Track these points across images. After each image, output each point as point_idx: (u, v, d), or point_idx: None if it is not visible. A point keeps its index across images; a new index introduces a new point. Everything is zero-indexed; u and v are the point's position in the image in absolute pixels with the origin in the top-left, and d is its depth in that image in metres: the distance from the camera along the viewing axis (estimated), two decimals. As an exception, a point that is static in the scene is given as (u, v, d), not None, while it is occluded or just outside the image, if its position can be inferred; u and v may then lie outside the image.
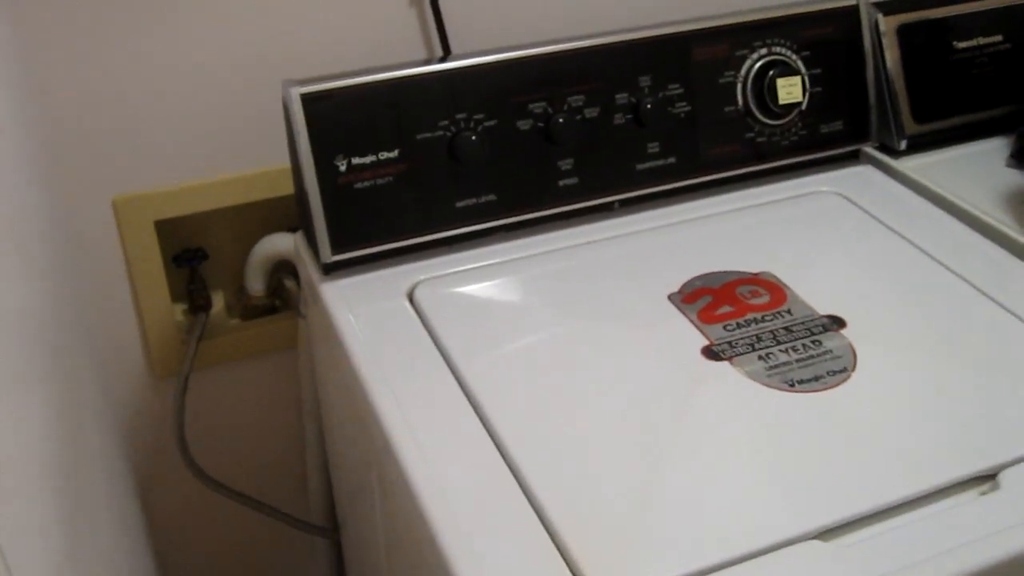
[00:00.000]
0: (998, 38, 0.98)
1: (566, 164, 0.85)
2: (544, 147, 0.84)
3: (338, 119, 0.79)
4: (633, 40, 0.86)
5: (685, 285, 0.79)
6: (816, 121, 0.93)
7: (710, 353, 0.72)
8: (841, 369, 0.70)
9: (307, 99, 0.78)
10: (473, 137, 0.82)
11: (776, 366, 0.70)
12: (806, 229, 0.87)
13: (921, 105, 0.96)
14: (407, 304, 0.79)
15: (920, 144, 0.97)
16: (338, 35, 0.96)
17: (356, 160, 0.80)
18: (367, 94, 0.79)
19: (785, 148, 0.93)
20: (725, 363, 0.71)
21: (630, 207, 0.90)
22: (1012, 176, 0.93)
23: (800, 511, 0.59)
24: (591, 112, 0.85)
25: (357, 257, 0.82)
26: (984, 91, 0.98)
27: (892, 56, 0.95)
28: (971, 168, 0.95)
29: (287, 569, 1.24)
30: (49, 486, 0.70)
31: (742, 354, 0.72)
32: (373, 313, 0.78)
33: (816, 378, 0.69)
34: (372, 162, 0.80)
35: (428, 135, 0.81)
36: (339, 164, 0.79)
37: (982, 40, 0.98)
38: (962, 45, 0.97)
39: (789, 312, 0.76)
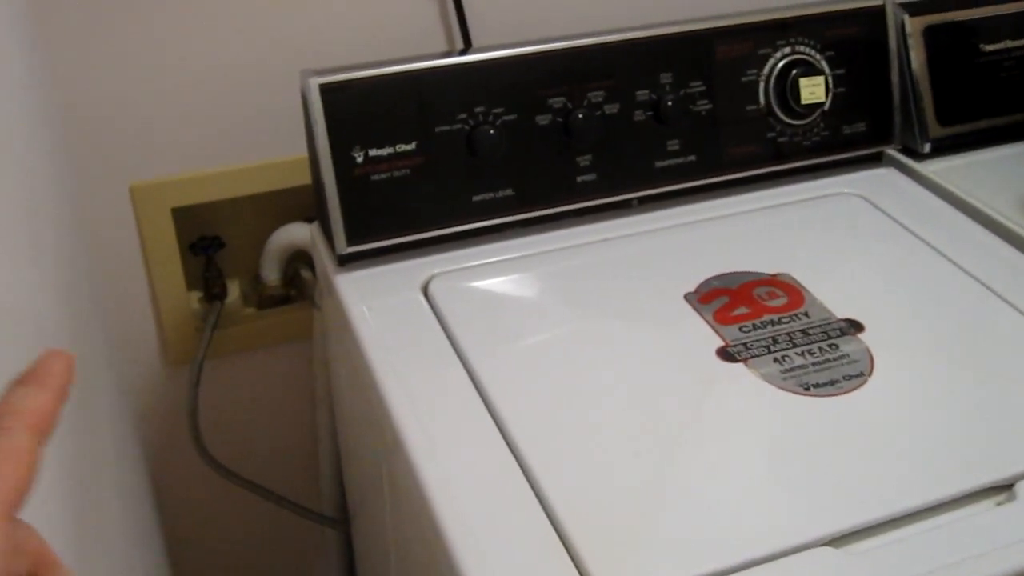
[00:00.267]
0: (1026, 41, 0.97)
1: (585, 160, 0.85)
2: (563, 142, 0.84)
3: (356, 110, 0.78)
4: (655, 36, 0.85)
5: (702, 285, 0.79)
6: (839, 122, 0.92)
7: (725, 354, 0.71)
8: (858, 374, 0.69)
9: (325, 89, 0.78)
10: (491, 131, 0.81)
11: (791, 369, 0.69)
12: (826, 231, 0.86)
13: (946, 108, 0.95)
14: (421, 298, 0.79)
15: (944, 147, 0.95)
16: (359, 26, 0.96)
17: (373, 152, 0.79)
18: (386, 85, 0.79)
19: (807, 149, 0.92)
20: (740, 365, 0.70)
21: (648, 205, 0.89)
22: (1037, 182, 0.92)
23: (812, 517, 0.58)
24: (611, 108, 0.84)
25: (372, 249, 0.82)
26: (1010, 95, 0.97)
27: (918, 58, 0.94)
28: (995, 172, 0.94)
29: (297, 559, 1.24)
30: (60, 470, 0.70)
31: (757, 356, 0.71)
32: (387, 306, 0.78)
33: (832, 382, 0.68)
34: (389, 154, 0.80)
35: (446, 128, 0.81)
36: (356, 155, 0.79)
37: (1010, 43, 0.97)
38: (989, 48, 0.96)
39: (806, 315, 0.75)
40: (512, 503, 0.60)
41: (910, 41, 0.94)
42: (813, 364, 0.70)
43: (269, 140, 0.99)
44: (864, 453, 0.63)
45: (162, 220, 0.98)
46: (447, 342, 0.73)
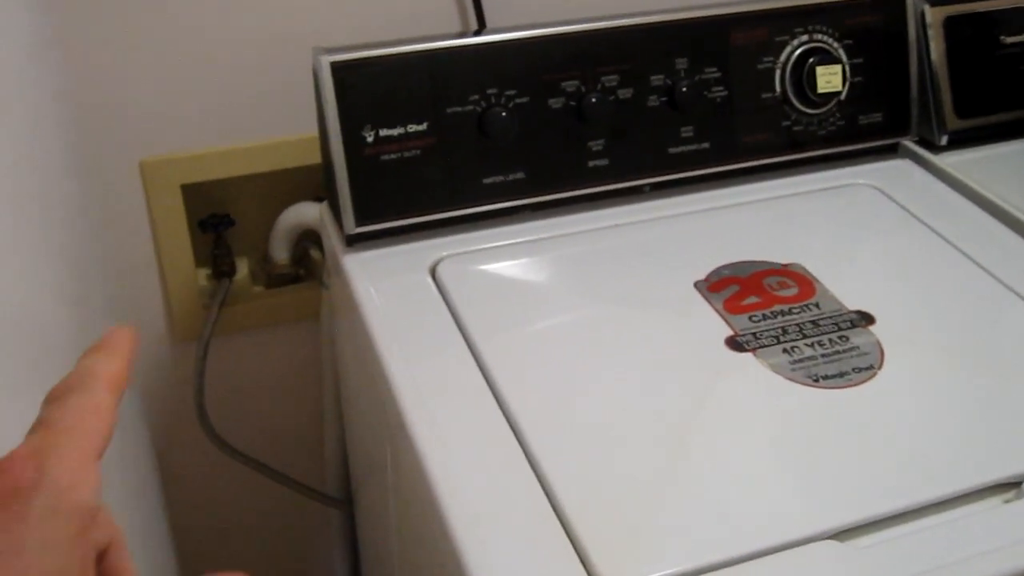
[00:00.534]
0: (1048, 34, 0.96)
1: (597, 145, 0.84)
2: (575, 126, 0.83)
3: (367, 89, 0.78)
4: (671, 21, 0.84)
5: (712, 273, 0.78)
6: (855, 112, 0.91)
7: (734, 344, 0.71)
8: (867, 366, 0.68)
9: (337, 68, 0.77)
10: (504, 113, 0.80)
11: (801, 360, 0.69)
12: (839, 222, 0.86)
13: (964, 100, 0.94)
14: (429, 280, 0.78)
15: (961, 140, 0.94)
16: (374, 4, 0.95)
17: (384, 132, 0.79)
18: (398, 65, 0.78)
19: (822, 138, 0.91)
20: (749, 355, 0.70)
21: (661, 191, 0.88)
22: (1055, 177, 0.91)
23: (817, 509, 0.58)
24: (625, 93, 0.84)
25: (381, 230, 0.81)
26: (1030, 88, 0.96)
27: (937, 48, 0.93)
28: (1013, 166, 0.92)
29: (301, 538, 1.24)
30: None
31: (767, 346, 0.70)
32: (395, 287, 0.77)
33: (841, 374, 0.68)
34: (400, 134, 0.79)
35: (458, 109, 0.80)
36: (366, 135, 0.78)
37: (1031, 36, 0.95)
38: (1010, 40, 0.95)
39: (817, 306, 0.74)
40: (515, 489, 0.59)
41: (930, 31, 0.93)
42: (823, 355, 0.69)
43: (280, 118, 0.98)
44: (872, 447, 0.62)
45: (171, 196, 0.97)
46: (454, 325, 0.73)
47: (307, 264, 1.07)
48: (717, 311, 0.74)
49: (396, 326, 0.73)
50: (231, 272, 1.04)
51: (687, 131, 0.86)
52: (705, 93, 0.86)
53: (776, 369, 0.68)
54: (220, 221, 1.02)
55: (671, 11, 0.85)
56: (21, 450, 0.33)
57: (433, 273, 0.79)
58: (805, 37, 0.88)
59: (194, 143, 0.96)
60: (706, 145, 0.87)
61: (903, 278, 0.79)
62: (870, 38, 0.90)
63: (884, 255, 0.82)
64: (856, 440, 0.63)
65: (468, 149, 0.81)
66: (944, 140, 0.94)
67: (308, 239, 1.06)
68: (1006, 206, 0.85)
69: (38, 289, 0.71)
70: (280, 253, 1.05)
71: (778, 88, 0.88)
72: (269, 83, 0.96)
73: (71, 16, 0.88)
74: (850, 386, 0.67)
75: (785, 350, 0.70)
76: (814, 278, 0.77)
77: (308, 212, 1.02)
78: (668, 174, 0.87)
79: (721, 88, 0.86)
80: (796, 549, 0.56)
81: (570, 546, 0.56)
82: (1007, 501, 0.60)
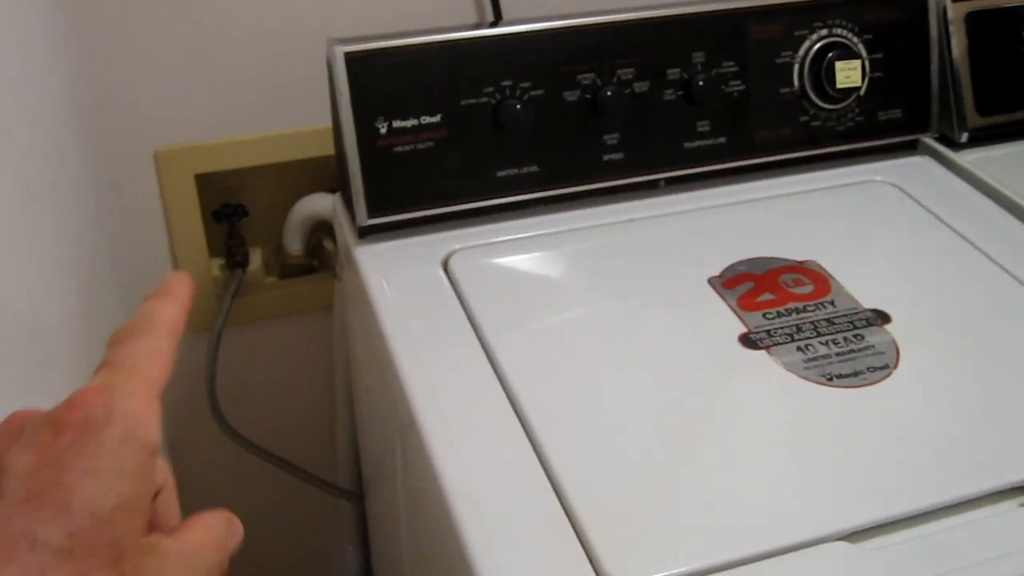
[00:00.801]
0: (1072, 31, 0.95)
1: (612, 138, 0.83)
2: (590, 120, 0.82)
3: (381, 80, 0.77)
4: (689, 14, 0.84)
5: (727, 269, 0.77)
6: (874, 108, 0.90)
7: (747, 341, 0.70)
8: (882, 366, 0.68)
9: (351, 58, 0.77)
10: (518, 106, 0.80)
11: (815, 358, 0.68)
12: (856, 219, 0.85)
13: (985, 97, 0.92)
14: (441, 273, 0.78)
15: (982, 137, 0.93)
16: (389, -5, 0.95)
17: (397, 123, 0.78)
18: (412, 56, 0.78)
19: (840, 134, 0.90)
20: (762, 352, 0.69)
21: (676, 186, 0.87)
22: (1077, 175, 0.89)
23: (828, 510, 0.57)
24: (640, 86, 0.83)
25: (393, 222, 0.81)
26: (1053, 86, 0.94)
27: (958, 44, 0.92)
28: (1034, 165, 0.91)
29: (312, 530, 1.24)
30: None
31: (780, 344, 0.69)
32: (406, 280, 0.77)
33: (855, 373, 0.67)
34: (413, 126, 0.79)
35: (472, 101, 0.79)
36: (380, 126, 0.78)
37: (1054, 32, 0.94)
38: (1033, 36, 0.93)
39: (832, 304, 0.73)
40: (524, 486, 0.59)
41: (951, 27, 0.91)
42: (837, 354, 0.68)
43: (295, 109, 0.98)
44: (885, 447, 0.61)
45: (185, 186, 0.97)
46: (465, 319, 0.73)
47: (321, 255, 1.07)
48: (731, 308, 0.73)
49: (407, 319, 0.72)
50: (244, 262, 1.04)
51: (703, 125, 0.85)
52: (722, 87, 0.85)
53: (789, 367, 0.67)
54: (234, 211, 1.02)
55: (689, 4, 0.84)
56: (91, 386, 0.35)
57: (445, 266, 0.78)
58: (824, 31, 0.87)
59: (209, 133, 0.96)
60: (722, 140, 0.86)
61: (920, 277, 0.78)
62: (890, 33, 0.89)
63: (901, 253, 0.81)
64: (869, 440, 0.62)
65: (482, 142, 0.80)
66: (964, 137, 0.93)
67: (322, 230, 1.05)
68: (1026, 205, 0.84)
69: (50, 277, 0.71)
70: (294, 244, 1.05)
71: (796, 83, 0.87)
72: (285, 73, 0.96)
73: (86, 5, 0.87)
74: (864, 385, 0.66)
75: (799, 348, 0.69)
76: (830, 275, 0.76)
77: (322, 203, 1.02)
78: (684, 169, 0.86)
79: (738, 82, 0.86)
80: (806, 550, 0.55)
81: (578, 545, 0.55)
82: (1022, 504, 0.59)
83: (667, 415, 0.64)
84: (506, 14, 0.96)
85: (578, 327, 0.72)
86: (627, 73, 0.82)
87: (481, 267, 0.78)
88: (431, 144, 0.79)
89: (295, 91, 0.97)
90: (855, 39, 0.87)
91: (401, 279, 0.77)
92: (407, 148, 0.79)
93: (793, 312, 0.72)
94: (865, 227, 0.84)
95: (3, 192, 0.61)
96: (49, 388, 0.67)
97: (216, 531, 0.38)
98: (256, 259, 1.05)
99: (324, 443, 1.16)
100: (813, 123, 0.88)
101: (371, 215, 0.79)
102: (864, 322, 0.71)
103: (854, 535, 0.56)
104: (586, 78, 0.82)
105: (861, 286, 0.75)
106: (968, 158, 0.91)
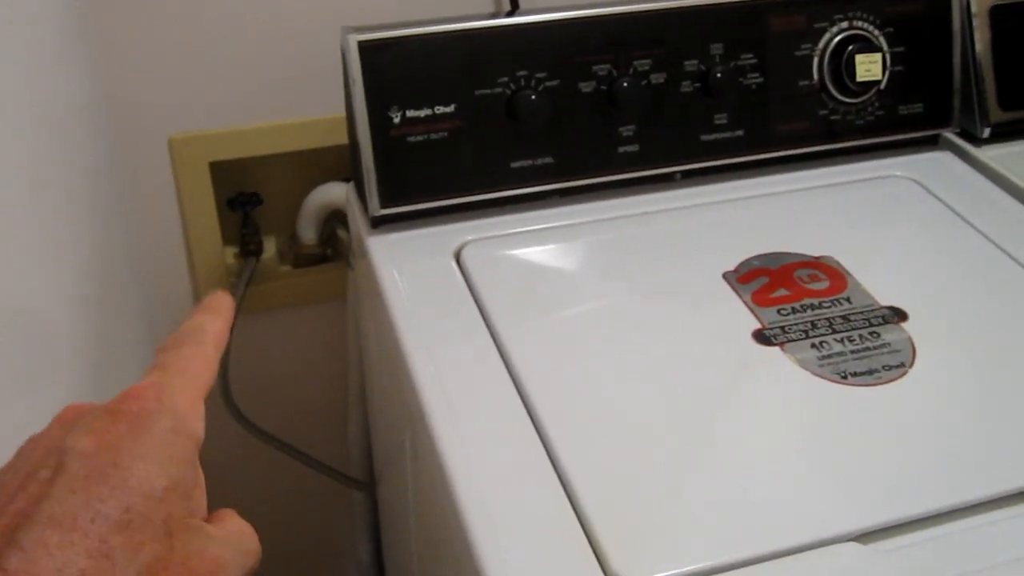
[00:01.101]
0: (1098, 25, 0.93)
1: (628, 130, 0.82)
2: (606, 111, 0.82)
3: (395, 69, 0.77)
4: (707, 5, 0.82)
5: (742, 264, 0.76)
6: (895, 102, 0.88)
7: (761, 337, 0.69)
8: (898, 364, 0.67)
9: (364, 47, 0.76)
10: (533, 96, 0.79)
11: (829, 356, 0.67)
12: (875, 214, 0.84)
13: (1009, 92, 0.91)
14: (453, 264, 0.77)
15: (1004, 133, 0.92)
16: (405, -17, 0.94)
17: (411, 113, 0.78)
18: (427, 45, 0.77)
19: (859, 128, 0.88)
20: (776, 348, 0.68)
21: (692, 179, 0.86)
22: (1100, 173, 0.88)
23: (840, 510, 0.56)
24: (657, 78, 0.82)
25: (406, 212, 0.80)
26: (1078, 81, 0.93)
27: (982, 38, 0.90)
28: (1057, 161, 0.90)
29: (324, 519, 1.24)
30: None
31: (794, 340, 0.69)
32: (418, 271, 0.76)
33: (870, 371, 0.66)
34: (427, 115, 0.78)
35: (487, 91, 0.79)
36: (393, 116, 0.77)
37: (1080, 27, 0.92)
38: (1058, 31, 0.92)
39: (848, 300, 0.72)
40: (532, 482, 0.58)
41: (975, 21, 0.90)
42: (852, 352, 0.67)
43: (311, 97, 0.98)
44: (899, 447, 0.61)
45: (200, 174, 0.97)
46: (477, 311, 0.72)
47: (335, 244, 1.07)
48: (745, 303, 0.72)
49: (418, 310, 0.72)
50: (258, 251, 1.03)
51: (720, 118, 0.85)
52: (740, 80, 0.84)
53: (803, 364, 0.66)
54: (248, 200, 1.02)
55: (707, -5, 0.83)
56: (145, 383, 0.38)
57: (457, 257, 0.78)
58: (845, 24, 0.86)
59: (224, 120, 0.96)
60: (740, 133, 0.85)
61: (939, 274, 0.77)
62: (912, 26, 0.87)
63: (920, 250, 0.80)
64: (883, 440, 0.61)
65: (496, 132, 0.80)
66: (986, 132, 0.91)
67: (336, 219, 1.05)
68: (1048, 202, 0.83)
69: (62, 266, 0.71)
70: (308, 233, 1.05)
71: (816, 76, 0.86)
72: (300, 61, 0.96)
73: (102, -9, 0.87)
74: (879, 384, 0.65)
75: (813, 345, 0.68)
76: (846, 272, 0.75)
77: (337, 192, 1.02)
78: (700, 162, 0.85)
79: (757, 75, 0.84)
80: (817, 550, 0.54)
81: (585, 540, 0.55)
82: (1039, 508, 0.58)
83: (678, 411, 0.63)
84: (523, 3, 0.96)
85: (590, 321, 0.71)
86: (644, 64, 0.81)
87: (494, 259, 0.77)
88: (445, 134, 0.79)
89: (311, 79, 0.97)
90: (876, 32, 0.86)
91: (413, 270, 0.76)
92: (421, 138, 0.78)
93: (808, 308, 0.71)
94: (883, 223, 0.82)
95: (13, 180, 0.61)
96: (61, 375, 0.67)
97: (247, 526, 0.41)
98: (270, 248, 1.05)
99: (336, 432, 1.16)
100: (832, 117, 0.87)
101: (384, 205, 0.79)
102: (880, 319, 0.70)
103: (866, 536, 0.55)
104: (602, 69, 0.81)
105: (878, 283, 0.74)
106: (990, 154, 0.90)
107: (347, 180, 1.00)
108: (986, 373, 0.67)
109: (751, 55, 0.84)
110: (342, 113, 0.88)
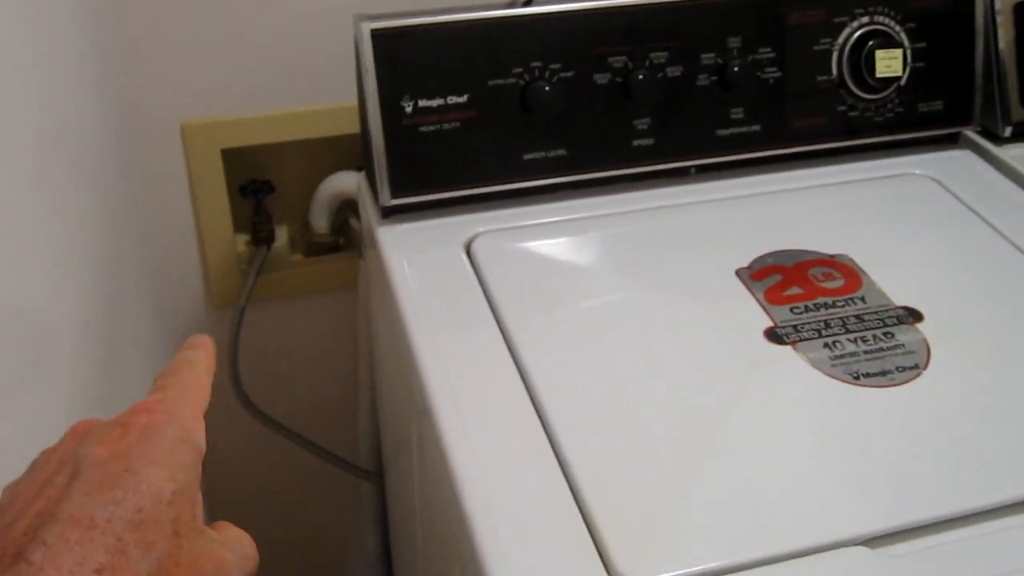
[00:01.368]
0: (1124, 24, 0.91)
1: (642, 123, 0.82)
2: (621, 104, 0.81)
3: (408, 58, 0.76)
4: (725, -2, 0.81)
5: (755, 261, 0.75)
6: (915, 99, 0.87)
7: (773, 336, 0.68)
8: (912, 365, 0.66)
9: (377, 36, 0.75)
10: (547, 87, 0.78)
11: (842, 356, 0.66)
12: (892, 213, 0.82)
13: (1031, 90, 0.90)
14: (464, 256, 0.76)
15: (1026, 132, 0.90)
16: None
17: (423, 102, 0.77)
18: (440, 35, 0.76)
19: (878, 125, 0.87)
20: (788, 348, 0.67)
21: (707, 174, 0.85)
22: (1124, 174, 0.86)
23: (849, 513, 0.56)
24: (674, 71, 0.81)
25: (417, 203, 0.79)
26: (1103, 80, 0.91)
27: (1006, 36, 0.89)
28: (1079, 162, 0.88)
29: (332, 508, 1.23)
30: (100, 407, 0.69)
31: (807, 340, 0.68)
32: (428, 262, 0.76)
33: (883, 372, 0.65)
34: (439, 105, 0.77)
35: (500, 82, 0.78)
36: (405, 105, 0.76)
37: (1106, 25, 0.91)
38: (1083, 29, 0.90)
39: (863, 300, 0.71)
40: (537, 479, 0.58)
41: (999, 18, 0.89)
42: (865, 352, 0.66)
43: (324, 85, 0.97)
44: (911, 450, 0.60)
45: (212, 160, 0.97)
46: (486, 304, 0.71)
47: (347, 233, 1.06)
48: (758, 301, 0.71)
49: (427, 302, 0.71)
50: (270, 239, 1.03)
51: (737, 112, 0.83)
52: (758, 74, 0.83)
53: (815, 364, 0.66)
54: (260, 187, 1.01)
55: (725, -13, 0.82)
56: (151, 398, 0.42)
57: (468, 249, 0.77)
58: (865, 19, 0.84)
59: (236, 107, 0.95)
60: (756, 128, 0.84)
61: (956, 275, 0.75)
62: (934, 22, 0.86)
63: (937, 250, 0.78)
64: (895, 443, 0.60)
65: (509, 123, 0.79)
66: (1008, 131, 0.90)
67: (349, 208, 1.05)
68: (1070, 203, 0.82)
69: (68, 258, 0.71)
70: (320, 221, 1.04)
71: (834, 71, 0.85)
72: (314, 49, 0.95)
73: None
74: (892, 385, 0.64)
75: (826, 344, 0.67)
76: (862, 271, 0.74)
77: (349, 181, 1.01)
78: (715, 156, 0.84)
79: (775, 69, 0.83)
80: (824, 553, 0.54)
81: (589, 538, 0.54)
82: (1052, 515, 0.57)
83: (687, 410, 0.62)
84: (540, -7, 0.95)
85: (600, 316, 0.71)
86: (660, 57, 0.80)
87: (504, 251, 0.77)
88: (457, 124, 0.78)
89: (324, 67, 0.96)
90: (897, 27, 0.85)
91: (423, 261, 0.76)
92: (433, 128, 0.77)
93: (822, 307, 0.71)
94: (900, 222, 0.81)
95: (16, 170, 0.61)
96: (64, 373, 0.66)
97: (245, 533, 0.43)
98: (282, 236, 1.05)
99: (345, 422, 1.16)
100: (851, 113, 0.86)
101: (394, 195, 0.78)
102: (895, 320, 0.69)
103: (875, 540, 0.55)
104: (618, 61, 0.80)
105: (894, 282, 0.73)
106: (1011, 153, 0.89)
107: (360, 169, 1.00)
108: (1002, 376, 0.66)
109: (769, 49, 0.83)
110: (355, 101, 0.87)
